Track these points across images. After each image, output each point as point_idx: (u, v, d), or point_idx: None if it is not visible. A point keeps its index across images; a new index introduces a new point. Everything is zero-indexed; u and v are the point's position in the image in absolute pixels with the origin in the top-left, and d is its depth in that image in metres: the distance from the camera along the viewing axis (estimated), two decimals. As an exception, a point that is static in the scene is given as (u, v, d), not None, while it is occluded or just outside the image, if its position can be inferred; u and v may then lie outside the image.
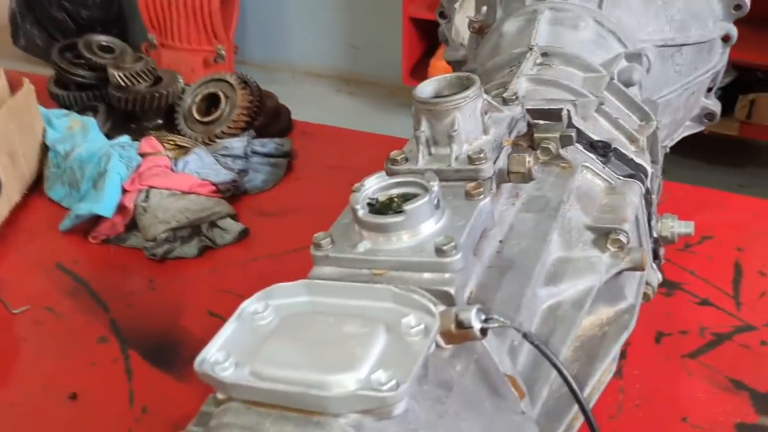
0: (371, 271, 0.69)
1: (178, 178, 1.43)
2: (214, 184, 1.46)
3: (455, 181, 0.78)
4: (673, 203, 1.49)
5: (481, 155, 0.78)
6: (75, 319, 1.27)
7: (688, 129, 1.41)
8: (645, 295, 0.99)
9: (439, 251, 0.66)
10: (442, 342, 0.62)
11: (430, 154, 0.82)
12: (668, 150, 1.31)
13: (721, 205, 1.46)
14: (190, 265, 1.36)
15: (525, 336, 0.62)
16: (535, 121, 0.95)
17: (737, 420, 1.04)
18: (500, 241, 0.82)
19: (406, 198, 0.72)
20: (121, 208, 1.39)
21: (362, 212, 0.70)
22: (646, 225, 0.97)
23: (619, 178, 0.95)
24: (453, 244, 0.66)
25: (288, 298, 0.64)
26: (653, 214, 1.02)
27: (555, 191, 0.89)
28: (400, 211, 0.69)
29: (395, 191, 0.73)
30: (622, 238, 0.87)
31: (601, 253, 0.88)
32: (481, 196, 0.73)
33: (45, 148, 1.59)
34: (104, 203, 1.35)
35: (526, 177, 0.83)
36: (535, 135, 0.93)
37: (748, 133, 3.27)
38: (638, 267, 0.88)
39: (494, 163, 0.80)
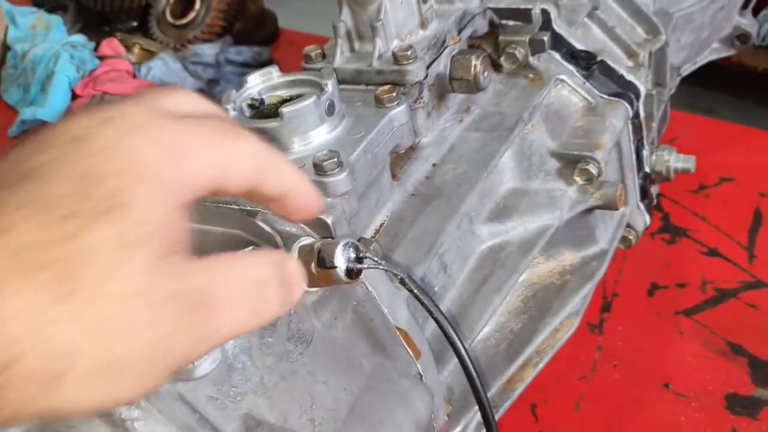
0: (240, 190, 0.54)
1: (136, 85, 1.30)
2: (177, 93, 1.32)
3: (378, 86, 0.63)
4: (693, 138, 1.30)
5: (409, 53, 0.62)
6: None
7: (715, 52, 1.21)
8: (625, 239, 0.83)
9: (318, 168, 0.51)
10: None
11: (352, 50, 0.66)
12: (683, 74, 1.11)
13: (747, 143, 1.27)
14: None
15: (402, 282, 0.47)
16: (504, 22, 0.78)
17: (729, 390, 0.89)
18: (434, 165, 0.67)
19: (301, 101, 0.57)
20: (70, 115, 1.26)
21: (233, 114, 0.55)
22: (633, 156, 0.80)
23: (602, 97, 0.78)
24: (335, 160, 0.51)
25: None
26: (646, 144, 0.85)
27: (515, 107, 0.73)
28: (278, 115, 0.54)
29: (286, 92, 0.58)
30: (592, 168, 0.71)
31: (566, 185, 0.72)
32: (394, 103, 0.58)
33: (6, 48, 1.47)
34: (49, 108, 1.23)
35: (472, 86, 0.67)
36: (501, 38, 0.76)
37: (810, 72, 2.97)
38: (610, 205, 0.72)
39: (429, 65, 0.65)
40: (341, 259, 0.46)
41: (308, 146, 0.55)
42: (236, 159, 0.35)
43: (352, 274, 0.46)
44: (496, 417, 0.69)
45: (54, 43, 1.35)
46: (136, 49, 1.41)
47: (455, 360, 0.60)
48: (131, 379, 0.29)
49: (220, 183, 0.34)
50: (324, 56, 0.66)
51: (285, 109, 0.53)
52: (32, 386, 0.28)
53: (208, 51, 1.40)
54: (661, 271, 1.05)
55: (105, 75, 1.29)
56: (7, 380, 0.27)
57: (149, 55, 1.41)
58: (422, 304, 0.47)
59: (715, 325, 0.96)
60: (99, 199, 0.30)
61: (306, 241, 0.48)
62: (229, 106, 0.55)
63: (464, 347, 0.47)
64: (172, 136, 0.33)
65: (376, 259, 0.46)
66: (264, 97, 0.58)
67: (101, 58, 1.34)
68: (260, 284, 0.35)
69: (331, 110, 0.55)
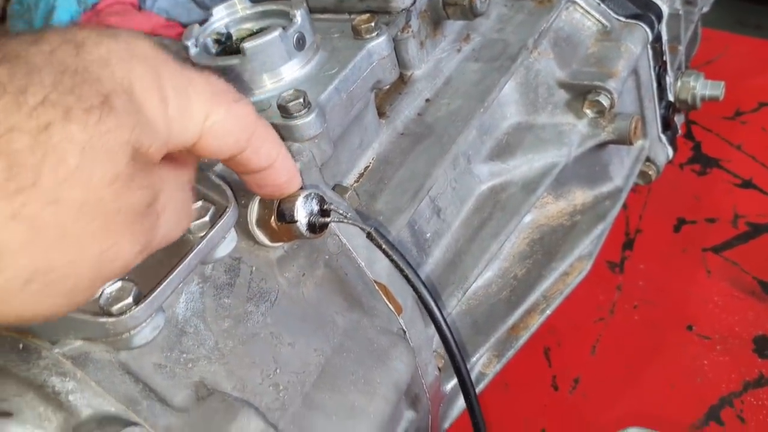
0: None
1: (140, 18, 1.24)
2: (183, 26, 1.27)
3: (361, 14, 0.57)
4: (731, 60, 1.21)
5: (394, -24, 0.56)
6: None
7: (758, -37, 1.10)
8: (644, 175, 0.77)
9: (283, 110, 0.47)
10: (265, 239, 0.44)
11: (335, -25, 0.60)
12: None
13: (792, 63, 1.18)
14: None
15: (369, 236, 0.43)
16: (510, -62, 0.71)
17: (758, 332, 0.84)
18: (427, 100, 0.62)
19: (272, 34, 0.52)
20: (74, 51, 1.22)
21: (194, 51, 0.50)
22: (653, 84, 0.73)
23: (618, 20, 0.71)
24: (301, 100, 0.46)
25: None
26: (670, 70, 0.78)
27: (520, 33, 0.66)
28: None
29: (255, 24, 0.53)
30: (604, 99, 0.65)
31: (576, 119, 0.66)
32: (373, 34, 0.52)
33: (12, -18, 1.42)
34: (52, 45, 1.18)
35: (468, 11, 0.61)
36: (505, -44, 0.69)
37: None
38: (624, 139, 0.66)
39: (419, -11, 0.59)
40: (302, 213, 0.41)
41: (279, 84, 0.50)
42: (224, 121, 0.33)
43: (315, 228, 0.42)
44: (498, 367, 0.65)
45: (57, -24, 1.30)
46: (142, -20, 1.35)
47: (451, 306, 0.56)
48: (65, 291, 0.27)
49: (202, 142, 0.33)
50: (303, -18, 0.61)
51: (247, 45, 0.48)
52: None
53: (216, -21, 1.34)
54: (690, 204, 0.99)
55: (108, 8, 1.24)
56: None
57: (156, -15, 1.35)
58: (392, 261, 0.42)
59: (746, 263, 0.91)
60: (84, 96, 0.27)
61: (267, 191, 0.44)
62: (189, 43, 0.51)
63: (440, 310, 0.43)
64: (174, 75, 0.31)
65: (341, 211, 0.42)
66: (232, 31, 0.53)
67: (105, -10, 1.29)
68: (186, 189, 0.34)
69: (300, 44, 0.49)
